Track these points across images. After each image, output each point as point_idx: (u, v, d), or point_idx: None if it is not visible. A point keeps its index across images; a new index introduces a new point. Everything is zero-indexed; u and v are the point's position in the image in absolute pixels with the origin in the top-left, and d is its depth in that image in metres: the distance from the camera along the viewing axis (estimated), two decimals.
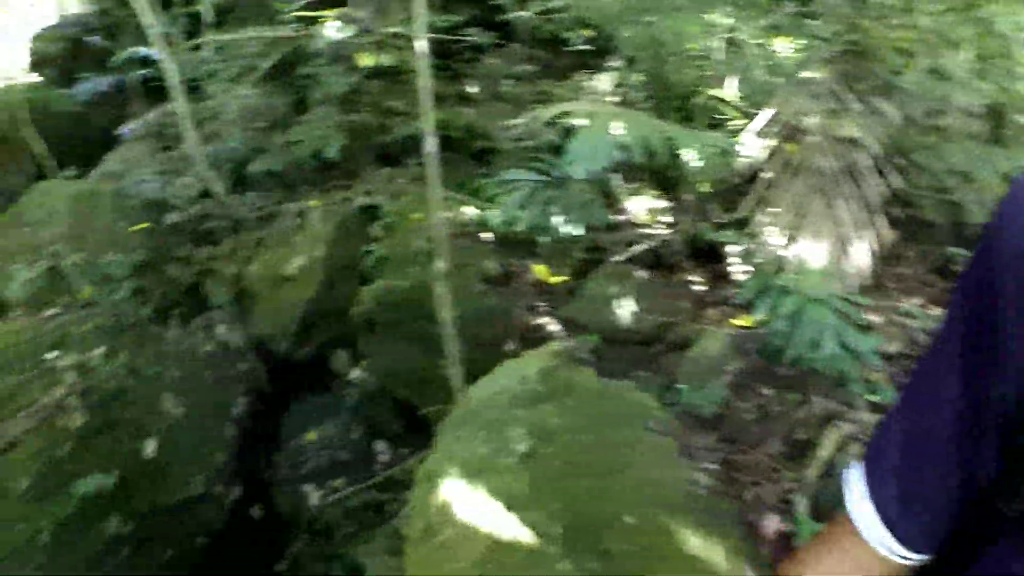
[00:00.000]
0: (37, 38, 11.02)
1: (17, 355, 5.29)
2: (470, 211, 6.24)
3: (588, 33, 7.97)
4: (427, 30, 4.30)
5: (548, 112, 5.28)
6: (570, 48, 7.99)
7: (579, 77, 7.56)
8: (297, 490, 5.51)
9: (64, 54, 10.57)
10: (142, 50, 8.68)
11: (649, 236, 5.83)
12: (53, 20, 12.02)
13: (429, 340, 5.24)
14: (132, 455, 4.98)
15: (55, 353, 5.28)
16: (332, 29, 7.44)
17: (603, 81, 7.53)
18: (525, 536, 2.58)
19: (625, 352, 5.20)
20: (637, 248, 5.72)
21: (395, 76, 7.86)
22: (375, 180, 6.72)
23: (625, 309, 5.35)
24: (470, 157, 7.03)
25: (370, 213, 6.35)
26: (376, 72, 7.68)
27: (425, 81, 4.36)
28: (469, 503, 2.80)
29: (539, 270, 5.94)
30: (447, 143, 7.10)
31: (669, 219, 5.97)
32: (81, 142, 8.71)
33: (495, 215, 5.60)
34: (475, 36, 7.73)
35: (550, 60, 7.90)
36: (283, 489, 5.57)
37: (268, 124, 7.10)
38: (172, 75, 6.58)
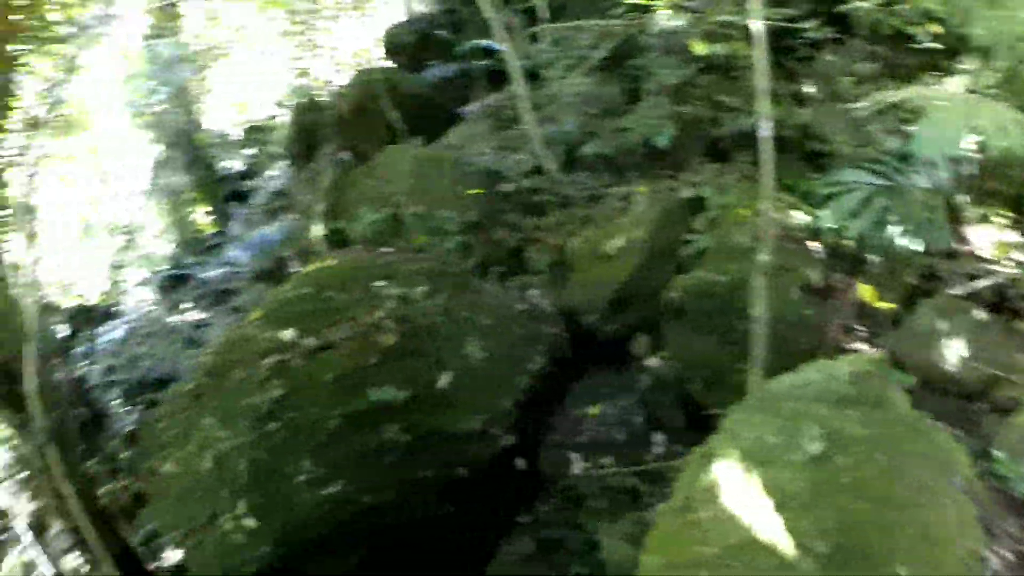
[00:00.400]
0: (390, 31, 12.31)
1: (351, 279, 5.75)
2: (799, 216, 5.96)
3: (936, 29, 7.20)
4: (761, 19, 4.12)
5: (894, 95, 4.85)
6: (915, 46, 7.25)
7: (927, 79, 6.88)
8: (564, 456, 5.53)
9: (414, 45, 11.62)
10: (483, 42, 9.21)
11: (995, 272, 5.13)
12: (403, 16, 13.48)
13: (734, 339, 5.03)
14: (426, 381, 5.22)
15: (383, 283, 5.67)
16: (664, 17, 7.43)
17: (953, 84, 6.81)
18: (785, 543, 2.40)
19: (942, 402, 4.67)
20: (980, 283, 5.07)
21: (727, 70, 7.62)
22: (702, 172, 6.59)
23: (953, 352, 4.75)
24: (803, 159, 6.68)
25: (694, 204, 6.22)
26: (708, 66, 7.50)
27: (761, 62, 4.18)
28: (738, 490, 2.68)
29: (865, 290, 5.50)
30: (779, 143, 6.65)
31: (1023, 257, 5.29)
32: (427, 119, 9.41)
33: (824, 218, 5.25)
34: (811, 30, 7.28)
35: (893, 58, 7.27)
36: (551, 451, 5.61)
37: (600, 110, 7.25)
38: (512, 63, 6.91)
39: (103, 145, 13.28)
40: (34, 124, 6.81)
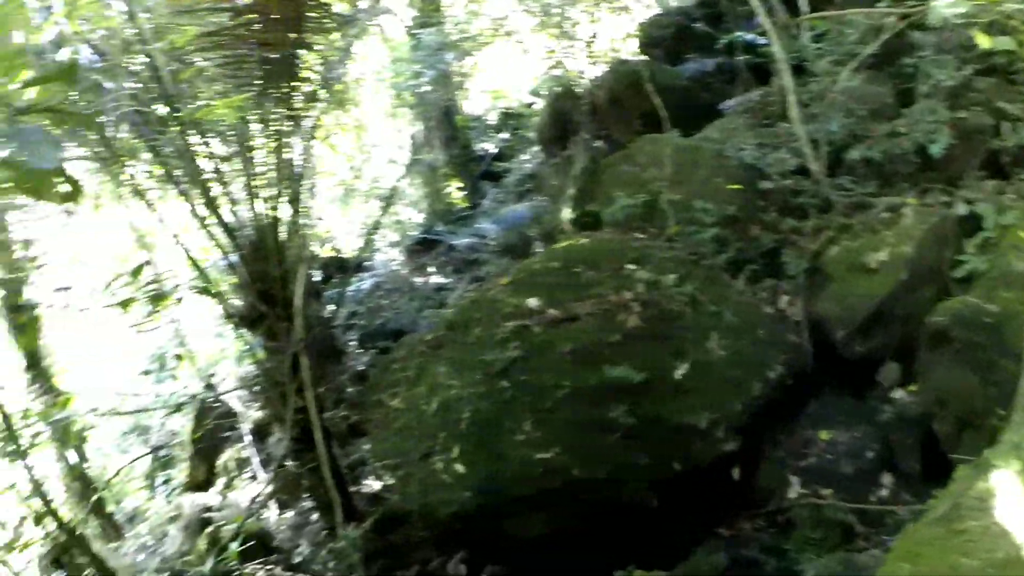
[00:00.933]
0: (646, 24, 12.16)
1: (601, 258, 5.80)
2: None
3: None
4: None
5: None
6: None
7: None
8: (783, 476, 5.27)
9: (671, 38, 11.41)
10: (746, 35, 8.90)
11: None
12: (659, 9, 13.32)
13: (999, 378, 4.55)
14: (663, 368, 5.20)
15: (633, 266, 5.68)
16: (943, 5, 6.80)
17: None
18: None
19: None
20: None
21: (1010, 73, 6.90)
22: (978, 188, 6.03)
23: None
24: None
25: (968, 223, 5.73)
26: (988, 68, 6.82)
27: None
28: (1015, 503, 2.47)
29: None
30: None
31: None
32: (684, 113, 9.25)
33: None
34: None
35: None
36: (771, 468, 5.37)
37: (868, 112, 6.79)
38: (779, 56, 6.61)
39: (369, 120, 14.17)
40: (312, 98, 7.44)
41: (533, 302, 5.64)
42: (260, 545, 7.23)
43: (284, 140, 6.58)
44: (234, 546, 6.37)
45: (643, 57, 11.60)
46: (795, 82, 6.95)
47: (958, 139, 6.12)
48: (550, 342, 5.38)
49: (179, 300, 8.01)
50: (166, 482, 12.06)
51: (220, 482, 10.16)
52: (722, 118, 8.47)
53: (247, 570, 6.66)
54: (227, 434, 9.70)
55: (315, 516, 7.32)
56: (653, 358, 5.23)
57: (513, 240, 9.82)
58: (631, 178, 6.80)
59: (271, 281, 6.41)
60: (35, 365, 9.74)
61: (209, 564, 6.26)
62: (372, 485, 7.35)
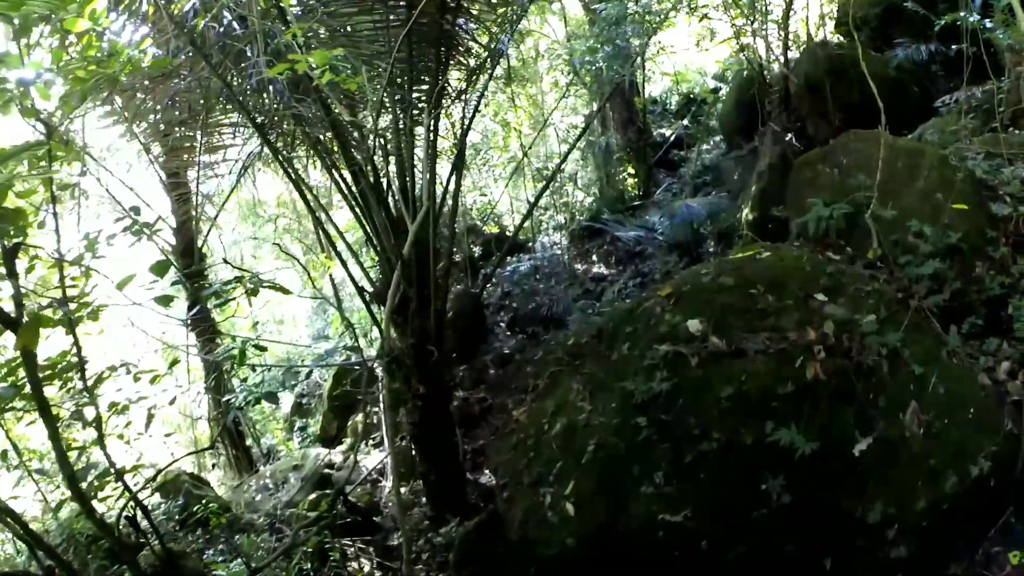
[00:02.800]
0: (847, 3, 10.31)
1: (785, 281, 4.58)
2: None
3: None
4: None
5: None
6: None
7: None
8: None
9: (878, 19, 9.65)
10: (968, 17, 7.20)
11: None
12: None
13: None
14: (839, 439, 3.99)
15: (823, 297, 4.46)
16: None
17: None
18: None
19: None
20: None
21: None
22: None
23: None
24: None
25: None
26: None
27: None
28: None
29: None
30: None
31: None
32: (892, 108, 7.72)
33: None
34: None
35: None
36: None
37: None
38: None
39: (545, 98, 13.28)
40: (473, 72, 6.67)
41: (694, 325, 4.56)
42: (365, 519, 7.05)
43: (432, 113, 5.86)
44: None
45: (844, 40, 10.08)
46: None
47: None
48: (707, 380, 4.29)
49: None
50: (303, 428, 12.14)
51: (347, 441, 10.17)
52: (938, 117, 6.94)
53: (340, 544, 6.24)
54: (363, 396, 9.38)
55: (424, 499, 6.82)
56: (831, 423, 4.03)
57: (683, 236, 8.68)
58: (830, 182, 5.50)
59: (407, 259, 5.72)
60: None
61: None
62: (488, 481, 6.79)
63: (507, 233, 12.43)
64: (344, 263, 6.45)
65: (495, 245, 11.98)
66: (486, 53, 6.73)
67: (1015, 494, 4.12)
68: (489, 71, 6.92)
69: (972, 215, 4.90)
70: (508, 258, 11.26)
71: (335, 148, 6.12)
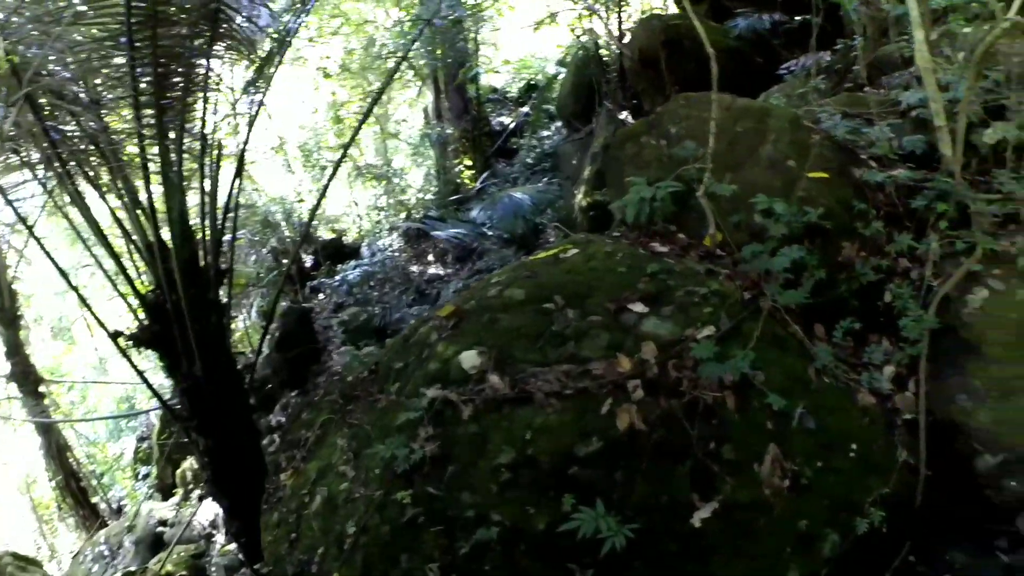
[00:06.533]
0: None
1: (594, 288, 3.13)
2: None
3: None
4: None
5: None
6: None
7: None
8: None
9: None
10: None
11: None
12: None
13: None
14: (670, 510, 2.60)
15: (642, 308, 2.98)
16: None
17: None
18: None
19: None
20: None
21: None
22: None
23: None
24: None
25: None
26: None
27: None
28: None
29: None
30: None
31: None
32: (734, 77, 6.44)
33: None
34: None
35: None
36: None
37: (1018, 74, 3.92)
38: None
39: (379, 93, 11.61)
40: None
41: (470, 360, 3.02)
42: None
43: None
44: None
45: (680, 12, 8.86)
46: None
47: None
48: (482, 439, 2.80)
49: None
50: (147, 476, 10.33)
51: (180, 492, 8.55)
52: (784, 83, 5.64)
53: None
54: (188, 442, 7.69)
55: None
56: (658, 489, 2.62)
57: (520, 229, 7.13)
58: (656, 156, 4.04)
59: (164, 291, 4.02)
60: None
61: None
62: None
63: (342, 240, 10.69)
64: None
65: (329, 253, 10.22)
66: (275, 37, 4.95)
67: (913, 529, 2.92)
68: (277, 58, 5.11)
69: (834, 185, 3.55)
70: (341, 265, 9.54)
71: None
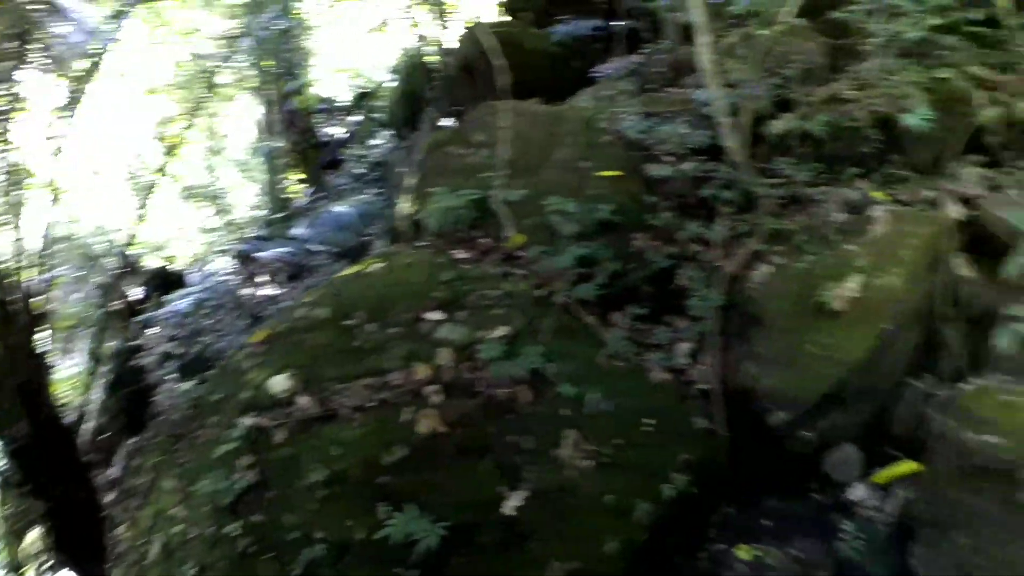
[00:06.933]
0: None
1: (390, 300, 3.21)
2: None
3: None
4: None
5: None
6: None
7: None
8: None
9: None
10: None
11: None
12: None
13: None
14: (482, 504, 2.73)
15: (438, 315, 3.08)
16: None
17: None
18: None
19: None
20: None
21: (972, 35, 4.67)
22: (965, 177, 3.69)
23: None
24: None
25: (972, 232, 3.38)
26: (948, 26, 4.55)
27: None
28: None
29: None
30: None
31: None
32: (553, 82, 6.73)
33: None
34: None
35: None
36: None
37: (799, 72, 4.35)
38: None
39: (209, 108, 11.18)
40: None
41: (280, 383, 3.03)
42: None
43: None
44: None
45: (507, 19, 9.13)
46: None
47: (933, 109, 3.75)
48: (295, 461, 2.79)
49: None
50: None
51: (31, 568, 7.76)
52: (596, 84, 5.95)
53: None
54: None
55: None
56: (466, 486, 2.74)
57: (351, 242, 7.09)
58: (461, 164, 4.16)
59: None
60: None
61: None
62: None
63: (173, 267, 10.22)
64: None
65: (158, 283, 9.72)
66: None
67: (727, 488, 3.25)
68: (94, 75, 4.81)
69: (626, 182, 3.80)
70: (172, 295, 9.10)
71: None
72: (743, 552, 3.03)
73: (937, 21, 4.32)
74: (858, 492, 3.19)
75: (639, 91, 5.31)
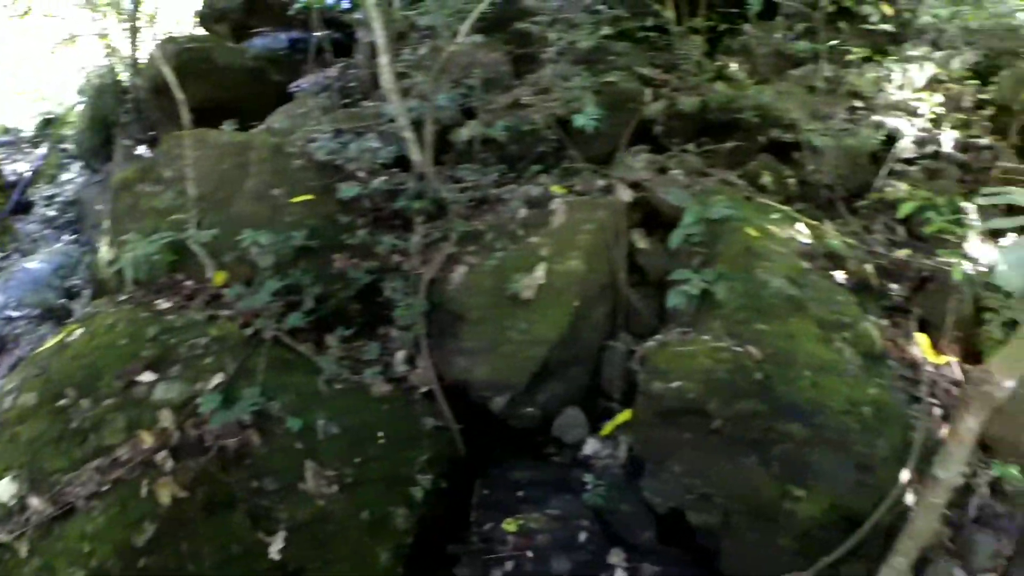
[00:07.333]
0: None
1: (100, 368, 3.11)
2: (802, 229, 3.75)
3: (888, 10, 5.33)
4: None
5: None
6: (868, 26, 5.34)
7: (883, 62, 5.01)
8: None
9: (239, 9, 8.58)
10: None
11: None
12: None
13: (789, 452, 2.89)
14: (246, 555, 2.78)
15: (150, 376, 3.06)
16: None
17: (912, 70, 4.91)
18: None
19: None
20: None
21: (645, 40, 5.44)
22: (636, 165, 4.30)
23: None
24: (763, 150, 4.52)
25: (645, 210, 3.97)
26: (620, 33, 5.26)
27: None
28: None
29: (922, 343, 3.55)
30: (729, 128, 4.64)
31: None
32: (253, 99, 6.65)
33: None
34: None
35: (837, 37, 5.27)
36: None
37: (483, 81, 4.74)
38: (369, 12, 4.25)
39: None
40: None
41: (5, 490, 2.87)
42: None
43: None
44: None
45: (202, 33, 8.83)
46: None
47: (605, 108, 4.28)
48: (48, 568, 2.64)
49: None
50: None
51: None
52: (292, 101, 5.99)
53: None
54: None
55: None
56: (221, 543, 2.76)
57: (52, 300, 6.50)
58: (152, 204, 4.07)
59: None
60: None
61: None
62: None
63: None
64: None
65: None
66: None
67: (475, 470, 3.62)
68: None
69: (319, 204, 3.94)
70: None
71: None
72: (509, 525, 3.37)
73: (609, 30, 4.97)
74: (590, 447, 3.67)
75: (336, 106, 5.47)
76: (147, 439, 2.84)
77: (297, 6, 6.34)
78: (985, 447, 3.11)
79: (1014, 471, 2.92)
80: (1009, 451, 3.04)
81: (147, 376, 3.03)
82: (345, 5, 6.65)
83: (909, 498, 2.70)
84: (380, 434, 3.26)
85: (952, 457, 2.22)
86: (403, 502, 3.18)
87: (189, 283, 3.67)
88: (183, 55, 7.12)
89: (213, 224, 3.68)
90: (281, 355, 3.29)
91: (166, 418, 2.90)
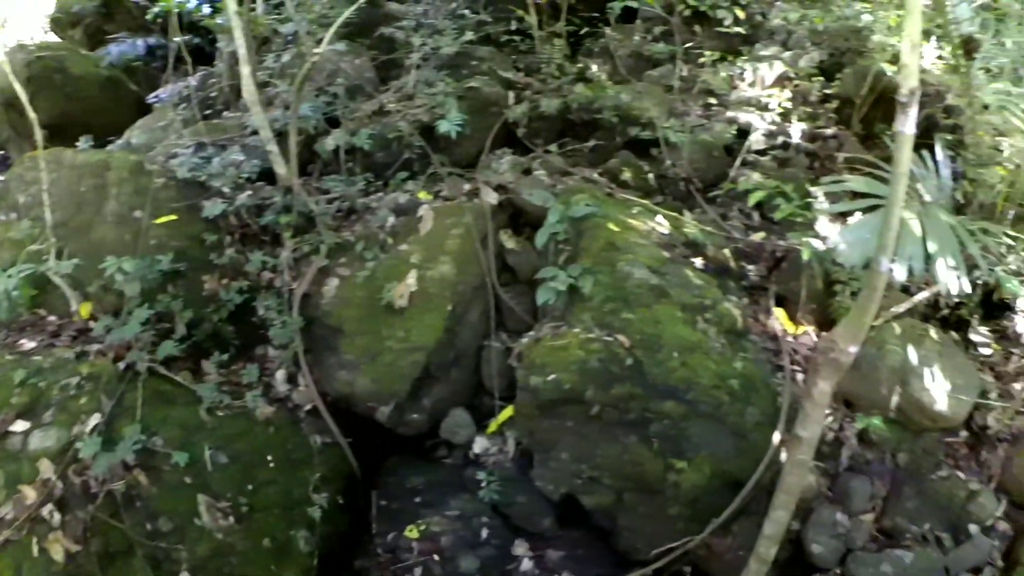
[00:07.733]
0: None
1: None
2: (661, 221, 4.02)
3: (740, 13, 5.70)
4: None
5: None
6: (719, 29, 5.70)
7: (736, 62, 5.38)
8: None
9: (95, 14, 8.26)
10: (185, 3, 6.48)
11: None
12: None
13: (669, 428, 3.16)
14: None
15: (25, 425, 3.03)
16: None
17: (763, 69, 5.31)
18: None
19: (923, 440, 3.45)
20: (920, 296, 3.78)
21: (508, 44, 5.63)
22: (502, 167, 4.48)
23: (937, 386, 3.37)
24: (623, 147, 4.79)
25: (512, 212, 4.18)
26: (484, 38, 5.43)
27: None
28: None
29: (781, 316, 3.88)
30: (591, 127, 4.88)
31: None
32: (109, 110, 6.43)
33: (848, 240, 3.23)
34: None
35: (690, 39, 5.61)
36: None
37: (346, 89, 4.80)
38: (231, 10, 4.23)
39: None
40: None
41: None
42: None
43: None
44: None
45: (54, 40, 8.44)
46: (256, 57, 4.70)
47: (469, 113, 4.45)
48: None
49: None
50: None
51: None
52: (152, 114, 5.86)
53: None
54: None
55: None
56: None
57: None
58: (6, 234, 3.96)
59: None
60: None
61: None
62: None
63: None
64: None
65: None
66: None
67: (369, 484, 3.77)
68: None
69: (184, 225, 3.92)
70: None
71: None
72: (412, 531, 3.53)
73: (473, 36, 5.11)
74: (480, 445, 3.83)
75: (197, 118, 5.37)
76: (30, 494, 2.80)
77: (155, 10, 6.20)
78: (848, 403, 3.49)
79: (877, 421, 3.30)
80: (870, 405, 3.43)
81: (20, 425, 2.99)
82: (206, 10, 6.49)
83: (783, 457, 3.00)
84: (269, 458, 3.33)
85: (810, 417, 2.56)
86: (303, 524, 3.28)
87: (53, 318, 3.61)
88: (34, 65, 6.82)
89: (74, 253, 3.63)
90: (158, 387, 3.29)
91: (46, 468, 2.87)
